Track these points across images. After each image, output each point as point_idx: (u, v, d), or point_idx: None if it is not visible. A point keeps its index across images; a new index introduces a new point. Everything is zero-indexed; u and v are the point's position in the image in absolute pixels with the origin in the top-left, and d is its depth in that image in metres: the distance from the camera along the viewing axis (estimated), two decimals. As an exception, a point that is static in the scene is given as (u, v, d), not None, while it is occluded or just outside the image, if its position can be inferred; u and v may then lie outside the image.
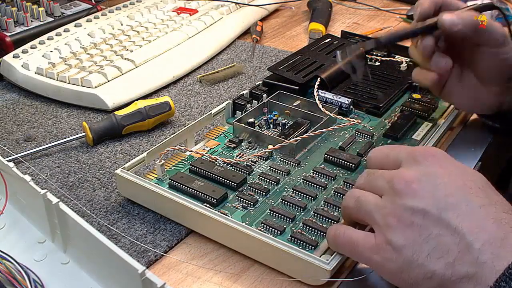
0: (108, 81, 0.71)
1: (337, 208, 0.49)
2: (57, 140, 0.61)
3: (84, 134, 0.61)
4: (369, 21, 0.99)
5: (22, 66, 0.73)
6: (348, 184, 0.52)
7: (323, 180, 0.53)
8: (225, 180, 0.51)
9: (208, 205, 0.49)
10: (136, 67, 0.75)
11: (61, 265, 0.45)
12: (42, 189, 0.44)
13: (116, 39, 0.80)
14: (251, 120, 0.60)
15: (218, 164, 0.53)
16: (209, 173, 0.52)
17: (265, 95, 0.65)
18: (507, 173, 0.83)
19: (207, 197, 0.49)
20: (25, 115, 0.68)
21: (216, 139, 0.59)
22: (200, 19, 0.88)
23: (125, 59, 0.75)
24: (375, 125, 0.62)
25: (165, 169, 0.53)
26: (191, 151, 0.55)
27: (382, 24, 0.97)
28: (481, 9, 0.54)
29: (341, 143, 0.58)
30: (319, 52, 0.73)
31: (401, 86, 0.68)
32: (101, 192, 0.54)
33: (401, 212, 0.38)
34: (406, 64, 0.74)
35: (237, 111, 0.64)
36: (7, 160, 0.49)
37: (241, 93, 0.66)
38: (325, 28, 0.91)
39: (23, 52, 0.75)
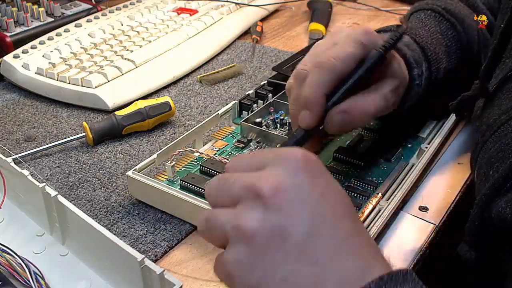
0: (108, 81, 0.71)
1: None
2: (57, 140, 0.61)
3: (84, 134, 0.62)
4: (369, 21, 0.99)
5: (22, 66, 0.73)
6: (358, 182, 0.52)
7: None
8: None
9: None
10: (136, 67, 0.75)
11: (60, 257, 0.46)
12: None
13: (116, 39, 0.80)
14: (258, 120, 0.60)
15: (228, 164, 0.54)
16: (219, 173, 0.52)
17: (270, 95, 0.65)
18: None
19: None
20: (26, 115, 0.68)
21: (224, 139, 0.59)
22: (200, 19, 0.88)
23: (125, 59, 0.75)
24: (381, 124, 0.62)
25: (176, 170, 0.53)
26: (202, 153, 0.56)
27: (382, 24, 0.97)
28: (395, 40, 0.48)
29: (348, 141, 0.58)
30: (320, 52, 0.73)
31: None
32: (101, 192, 0.54)
33: (258, 225, 0.32)
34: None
35: (243, 111, 0.64)
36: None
37: (246, 93, 0.66)
38: (325, 28, 0.92)
39: (23, 52, 0.75)
